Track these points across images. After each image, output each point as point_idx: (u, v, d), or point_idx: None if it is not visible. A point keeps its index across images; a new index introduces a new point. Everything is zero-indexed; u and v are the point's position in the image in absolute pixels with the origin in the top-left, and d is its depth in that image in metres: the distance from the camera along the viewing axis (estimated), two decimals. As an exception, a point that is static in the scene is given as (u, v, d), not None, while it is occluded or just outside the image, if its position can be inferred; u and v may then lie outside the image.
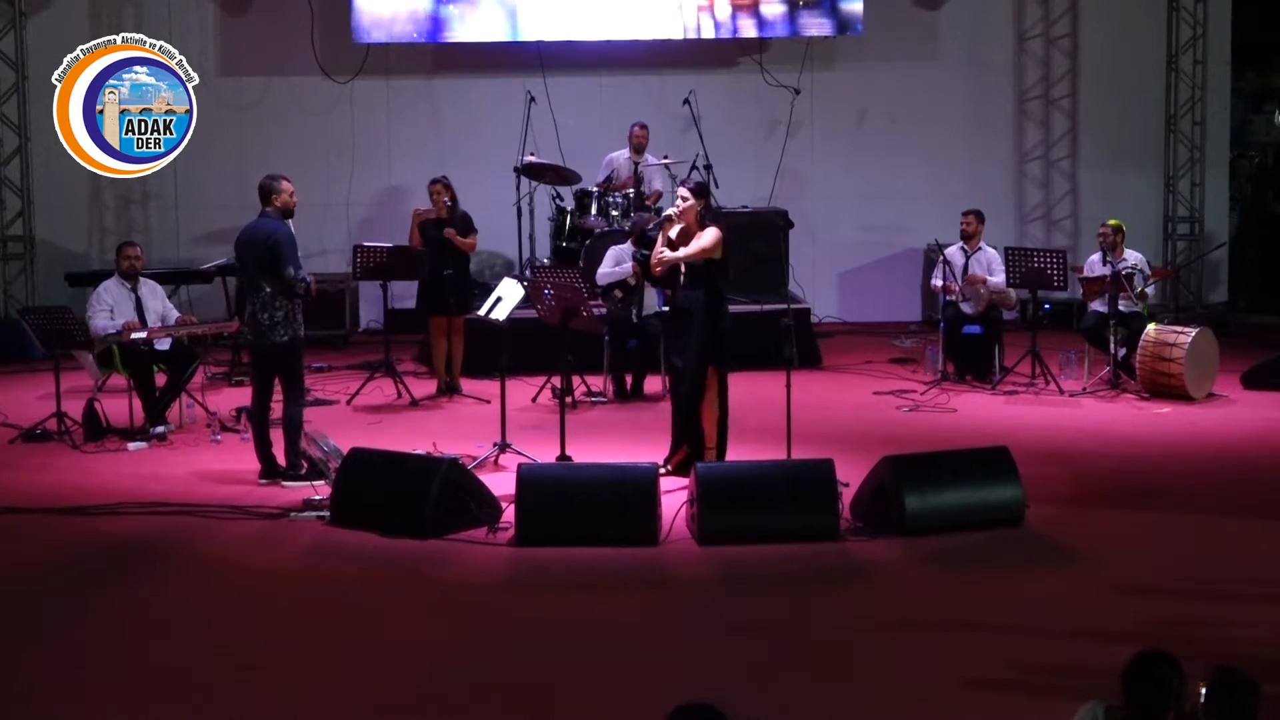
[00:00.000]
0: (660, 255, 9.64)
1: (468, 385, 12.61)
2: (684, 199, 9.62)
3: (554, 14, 15.28)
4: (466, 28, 15.31)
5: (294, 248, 9.79)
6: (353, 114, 15.85)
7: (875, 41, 15.76)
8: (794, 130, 15.84)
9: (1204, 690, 4.51)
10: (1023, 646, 6.98)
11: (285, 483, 9.77)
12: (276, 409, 9.99)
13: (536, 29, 15.30)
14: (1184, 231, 16.25)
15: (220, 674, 6.83)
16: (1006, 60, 16.41)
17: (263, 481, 9.85)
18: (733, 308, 13.37)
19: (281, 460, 9.89)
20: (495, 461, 10.08)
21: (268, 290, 9.75)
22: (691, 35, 15.40)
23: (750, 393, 11.56)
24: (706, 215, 9.62)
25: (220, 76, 15.61)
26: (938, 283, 13.15)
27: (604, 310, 12.14)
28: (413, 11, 15.24)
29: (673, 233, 9.66)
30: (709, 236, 9.51)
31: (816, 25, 15.45)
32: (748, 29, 15.44)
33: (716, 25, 15.39)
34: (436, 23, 15.29)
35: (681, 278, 9.65)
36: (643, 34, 15.37)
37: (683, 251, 9.55)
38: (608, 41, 15.48)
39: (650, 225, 11.40)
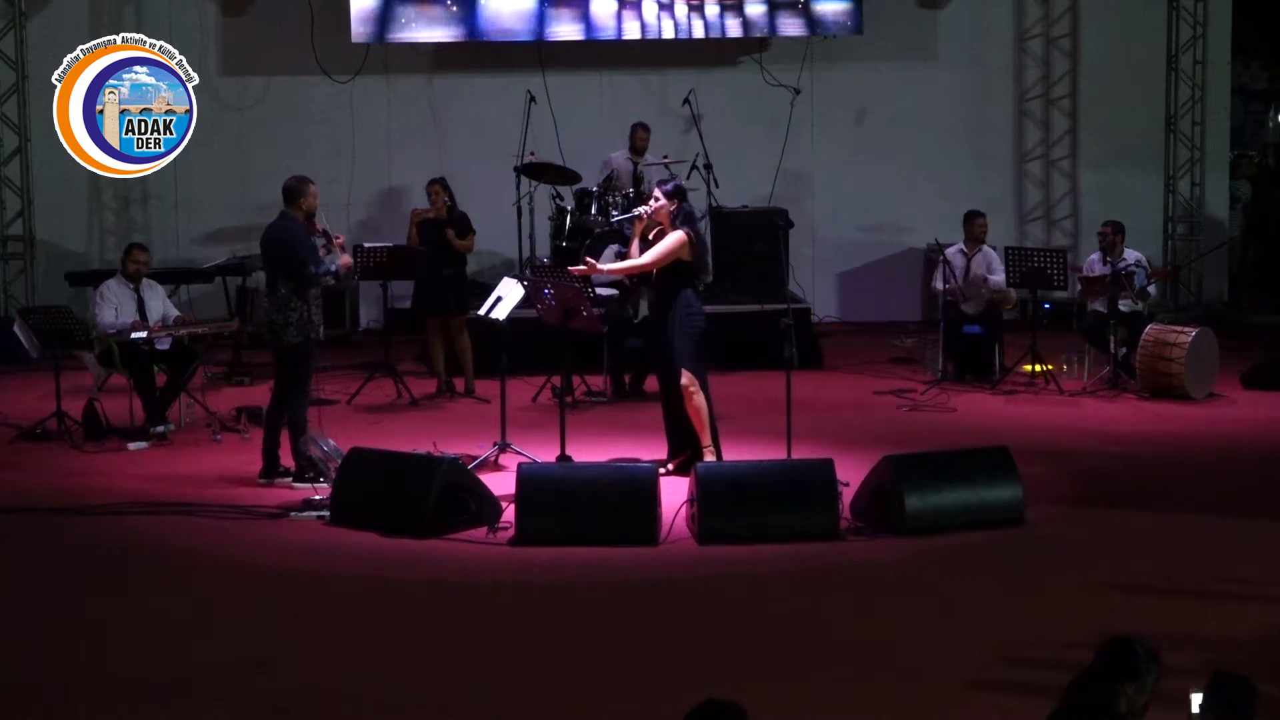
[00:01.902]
0: (602, 270, 9.90)
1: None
2: (656, 199, 9.65)
3: (546, 12, 15.30)
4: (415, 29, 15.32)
5: (309, 245, 9.81)
6: (353, 114, 15.85)
7: (875, 41, 15.75)
8: (794, 130, 15.84)
9: (1200, 695, 4.50)
10: (1022, 646, 6.98)
11: (295, 484, 9.76)
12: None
13: (498, 26, 15.31)
14: (1184, 232, 16.24)
15: (221, 674, 6.83)
16: (1006, 60, 16.41)
17: (262, 481, 9.85)
18: (733, 308, 13.51)
19: (285, 461, 9.89)
20: (495, 461, 10.08)
21: (282, 291, 9.77)
22: (683, 35, 15.41)
23: (750, 393, 11.56)
24: (678, 217, 9.63)
25: (220, 76, 15.61)
26: (939, 285, 13.14)
27: (602, 309, 12.13)
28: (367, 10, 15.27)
29: (651, 234, 9.69)
30: (667, 243, 9.53)
31: (792, 26, 15.48)
32: (734, 29, 15.45)
33: (707, 25, 15.40)
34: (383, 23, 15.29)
35: (652, 275, 9.70)
36: (632, 34, 15.36)
37: (619, 265, 9.73)
38: (607, 40, 15.48)
39: (619, 218, 11.43)
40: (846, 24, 15.45)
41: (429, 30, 15.36)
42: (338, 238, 10.17)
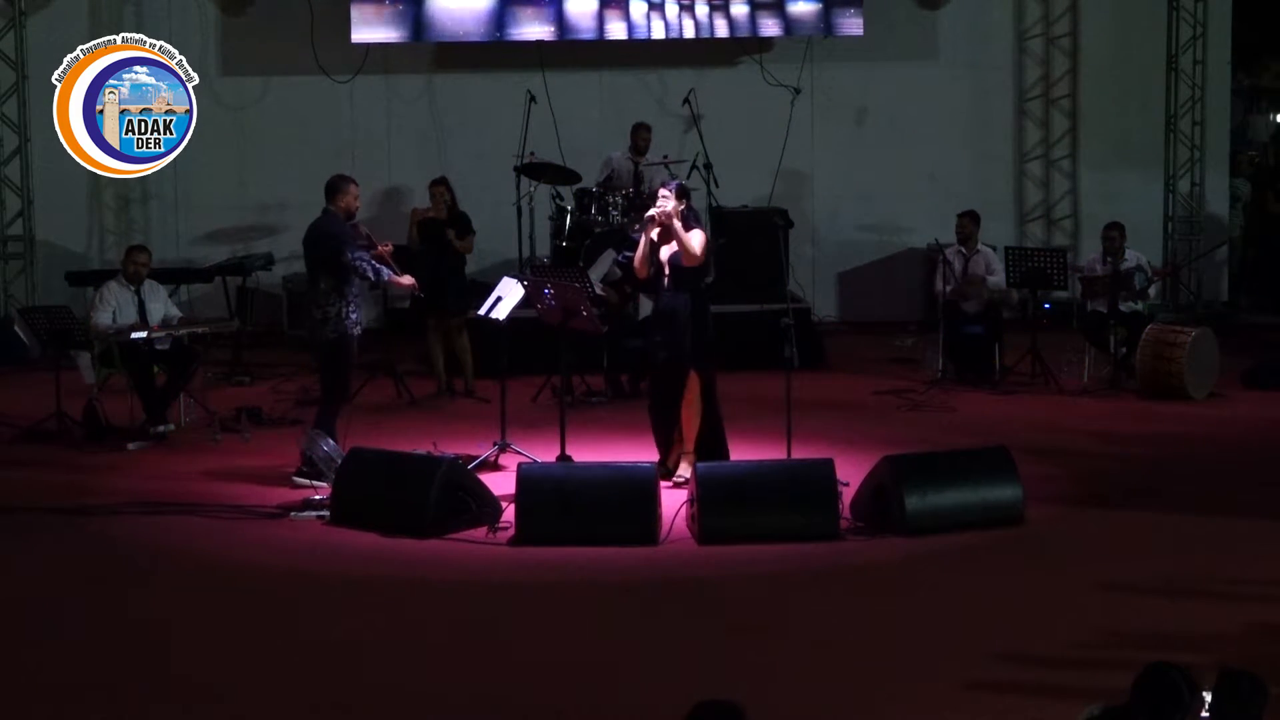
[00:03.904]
0: (664, 210, 9.47)
1: (468, 385, 12.67)
2: (665, 198, 9.61)
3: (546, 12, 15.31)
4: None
5: (349, 237, 9.91)
6: (353, 114, 15.85)
7: (875, 41, 15.75)
8: (794, 130, 15.83)
9: (1210, 693, 4.48)
10: (1023, 646, 6.98)
11: (295, 480, 9.75)
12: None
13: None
14: (1184, 231, 16.24)
15: (220, 674, 6.83)
16: (1006, 60, 16.40)
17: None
18: (733, 308, 13.48)
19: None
20: (495, 461, 10.08)
21: (322, 286, 9.86)
22: (674, 35, 15.41)
23: (751, 393, 11.56)
24: (690, 216, 9.61)
25: (220, 76, 15.61)
26: (941, 286, 13.12)
27: (602, 309, 12.12)
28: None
29: (654, 234, 9.64)
30: (698, 237, 9.49)
31: (771, 26, 15.51)
32: (721, 29, 15.46)
33: (697, 25, 15.41)
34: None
35: (665, 280, 9.61)
36: (618, 34, 15.34)
37: (685, 234, 9.42)
38: (607, 41, 15.48)
39: (635, 229, 11.37)
40: (817, 26, 15.47)
41: (373, 31, 15.34)
42: (384, 245, 10.26)
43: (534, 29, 15.30)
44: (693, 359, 9.52)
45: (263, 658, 7.05)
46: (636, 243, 9.96)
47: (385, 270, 10.01)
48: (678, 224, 9.50)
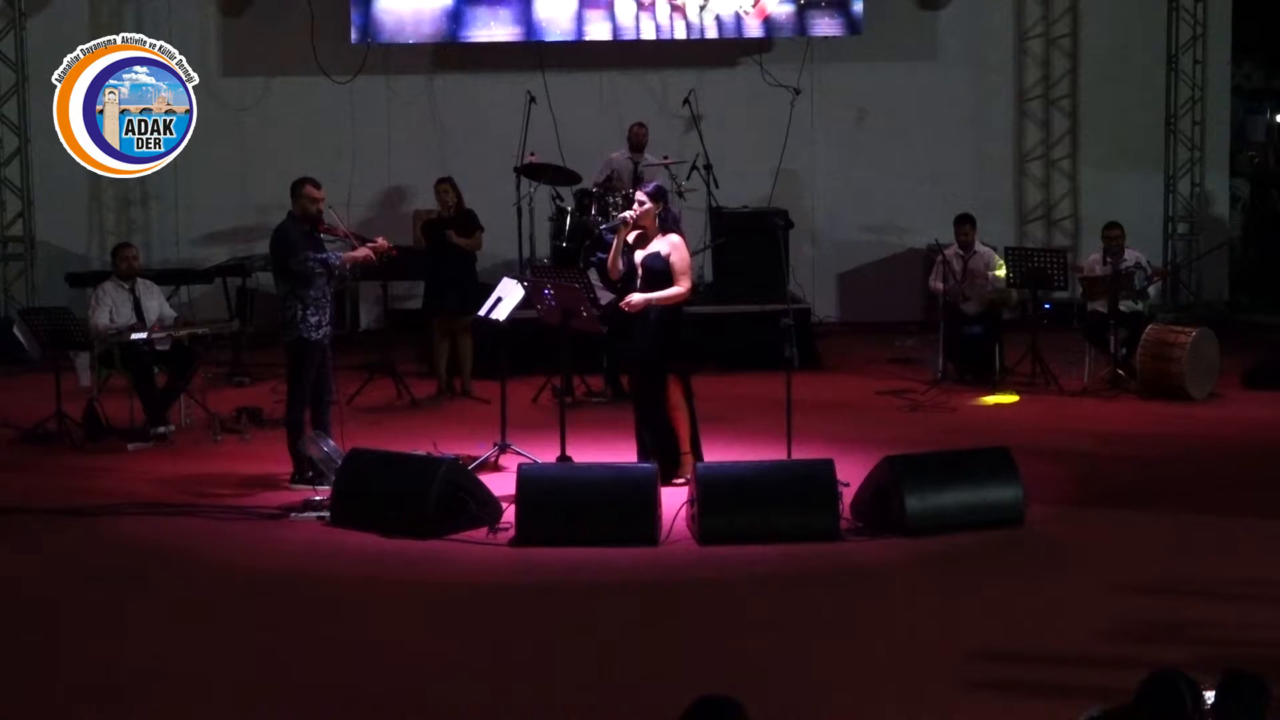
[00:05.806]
0: (630, 301, 9.43)
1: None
2: (640, 203, 9.53)
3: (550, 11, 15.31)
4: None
5: (297, 242, 9.80)
6: (353, 114, 15.85)
7: (875, 41, 15.75)
8: (794, 130, 15.84)
9: (1212, 693, 4.48)
10: (1023, 646, 6.98)
11: (294, 485, 9.75)
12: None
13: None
14: (1184, 231, 16.24)
15: (220, 674, 6.83)
16: (1006, 60, 16.41)
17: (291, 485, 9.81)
18: (733, 308, 13.49)
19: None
20: (495, 462, 10.08)
21: (281, 290, 9.87)
22: (665, 36, 15.40)
23: (750, 393, 11.56)
24: (667, 218, 9.56)
25: (220, 76, 15.62)
26: (938, 285, 13.14)
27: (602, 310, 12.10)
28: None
29: (630, 237, 9.60)
30: (681, 254, 9.42)
31: (753, 27, 15.52)
32: (711, 29, 15.47)
33: (689, 26, 15.41)
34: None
35: (638, 280, 9.54)
36: (601, 35, 15.34)
37: (661, 293, 9.36)
38: (606, 41, 15.48)
39: (603, 227, 11.28)
40: (794, 27, 15.47)
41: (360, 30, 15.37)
42: (375, 242, 10.21)
43: (512, 29, 15.31)
44: (666, 362, 9.48)
45: (262, 658, 7.05)
46: (609, 244, 9.88)
47: (333, 256, 9.86)
48: (656, 294, 9.36)
